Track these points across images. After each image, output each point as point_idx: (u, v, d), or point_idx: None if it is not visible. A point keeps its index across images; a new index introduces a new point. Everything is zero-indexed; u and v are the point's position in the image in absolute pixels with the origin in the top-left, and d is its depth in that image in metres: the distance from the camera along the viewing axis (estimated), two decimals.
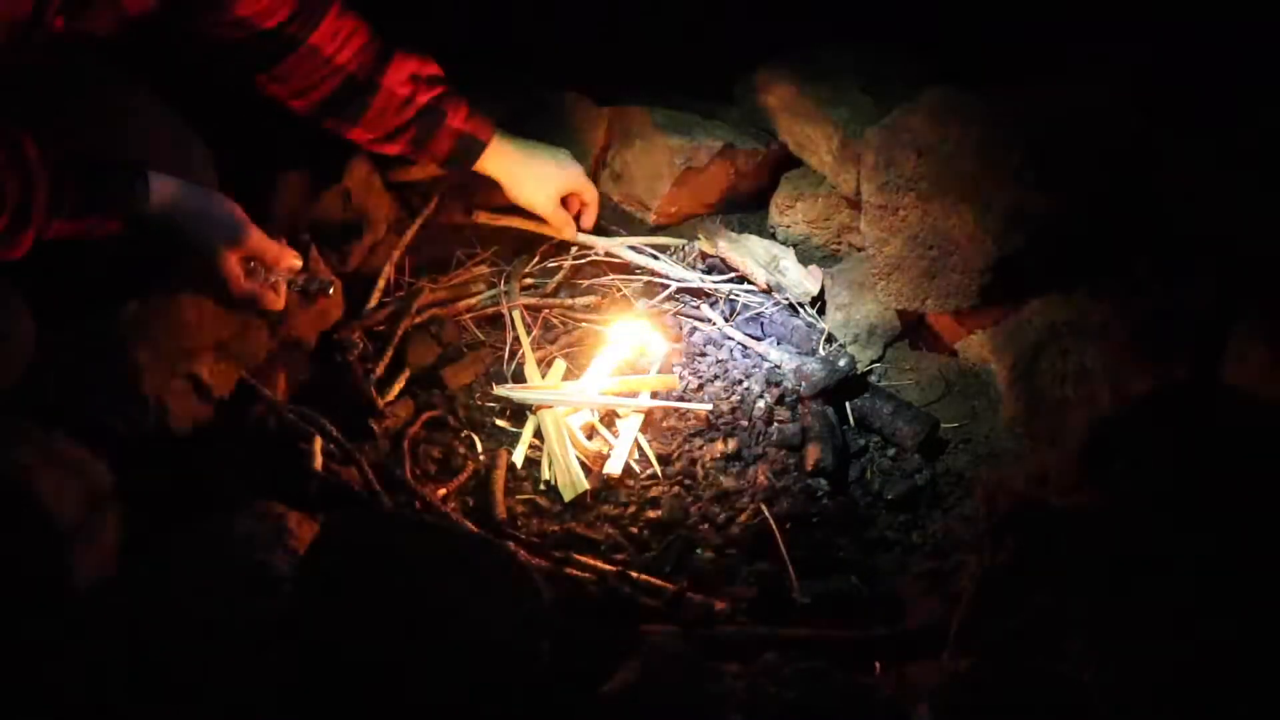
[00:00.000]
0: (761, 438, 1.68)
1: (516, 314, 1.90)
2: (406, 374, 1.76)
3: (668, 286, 1.97)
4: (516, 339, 1.86)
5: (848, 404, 1.72)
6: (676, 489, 1.59)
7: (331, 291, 1.61)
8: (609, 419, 1.72)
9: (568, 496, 1.57)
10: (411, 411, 1.71)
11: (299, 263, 1.54)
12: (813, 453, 1.61)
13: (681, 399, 1.73)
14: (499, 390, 1.74)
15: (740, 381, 1.79)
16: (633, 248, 2.02)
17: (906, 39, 1.94)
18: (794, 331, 1.90)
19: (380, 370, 1.74)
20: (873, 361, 1.84)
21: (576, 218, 1.97)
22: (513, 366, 1.81)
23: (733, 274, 2.00)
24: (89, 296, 1.43)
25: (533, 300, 1.94)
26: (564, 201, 1.93)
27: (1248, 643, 1.01)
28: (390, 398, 1.71)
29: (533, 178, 1.88)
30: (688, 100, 2.14)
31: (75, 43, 1.39)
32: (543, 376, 1.79)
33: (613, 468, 1.61)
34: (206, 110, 1.63)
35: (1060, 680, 0.99)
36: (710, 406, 1.71)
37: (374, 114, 1.69)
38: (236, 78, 1.62)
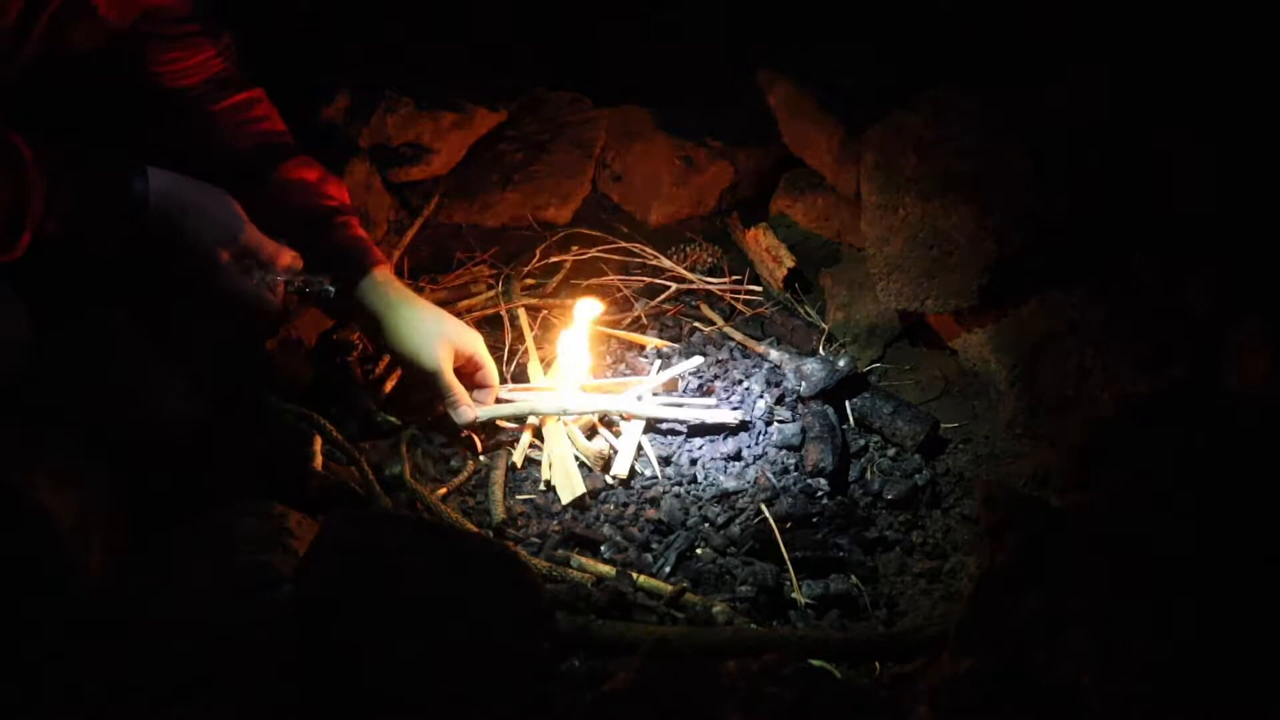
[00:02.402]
0: (761, 438, 1.68)
1: (520, 313, 1.90)
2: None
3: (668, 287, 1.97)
4: (516, 338, 1.86)
5: (848, 404, 1.72)
6: (676, 489, 1.59)
7: (332, 294, 1.57)
8: (608, 419, 1.72)
9: (565, 499, 1.57)
10: None
11: (299, 263, 1.48)
12: (813, 453, 1.61)
13: (710, 406, 1.71)
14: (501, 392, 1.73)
15: (740, 381, 1.79)
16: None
17: (906, 39, 1.94)
18: (794, 331, 1.90)
19: (380, 370, 1.74)
20: (873, 361, 1.84)
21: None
22: (513, 367, 1.81)
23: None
24: (88, 296, 1.43)
25: (533, 300, 1.94)
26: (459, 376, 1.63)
27: (1248, 643, 1.01)
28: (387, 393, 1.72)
29: (424, 321, 1.59)
30: (688, 100, 2.14)
31: (59, 57, 1.39)
32: (544, 375, 1.79)
33: (619, 469, 1.61)
34: None
35: (1060, 680, 0.99)
36: (739, 416, 1.68)
37: (274, 192, 1.57)
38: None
